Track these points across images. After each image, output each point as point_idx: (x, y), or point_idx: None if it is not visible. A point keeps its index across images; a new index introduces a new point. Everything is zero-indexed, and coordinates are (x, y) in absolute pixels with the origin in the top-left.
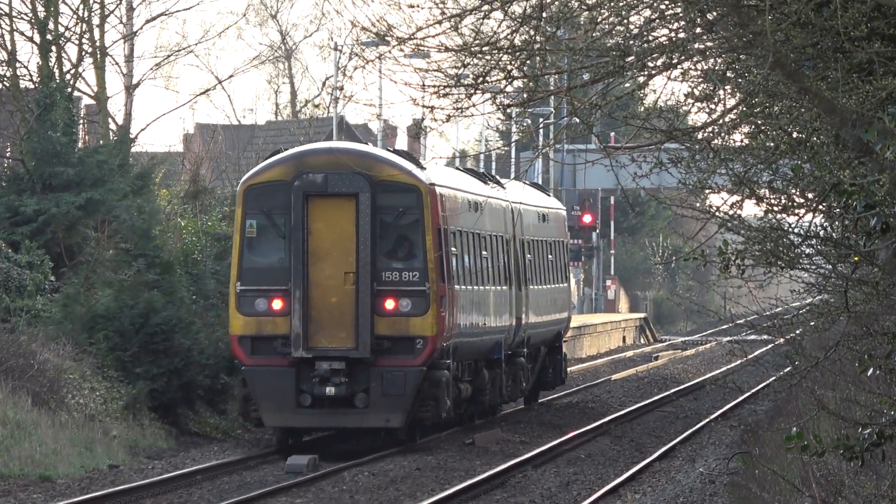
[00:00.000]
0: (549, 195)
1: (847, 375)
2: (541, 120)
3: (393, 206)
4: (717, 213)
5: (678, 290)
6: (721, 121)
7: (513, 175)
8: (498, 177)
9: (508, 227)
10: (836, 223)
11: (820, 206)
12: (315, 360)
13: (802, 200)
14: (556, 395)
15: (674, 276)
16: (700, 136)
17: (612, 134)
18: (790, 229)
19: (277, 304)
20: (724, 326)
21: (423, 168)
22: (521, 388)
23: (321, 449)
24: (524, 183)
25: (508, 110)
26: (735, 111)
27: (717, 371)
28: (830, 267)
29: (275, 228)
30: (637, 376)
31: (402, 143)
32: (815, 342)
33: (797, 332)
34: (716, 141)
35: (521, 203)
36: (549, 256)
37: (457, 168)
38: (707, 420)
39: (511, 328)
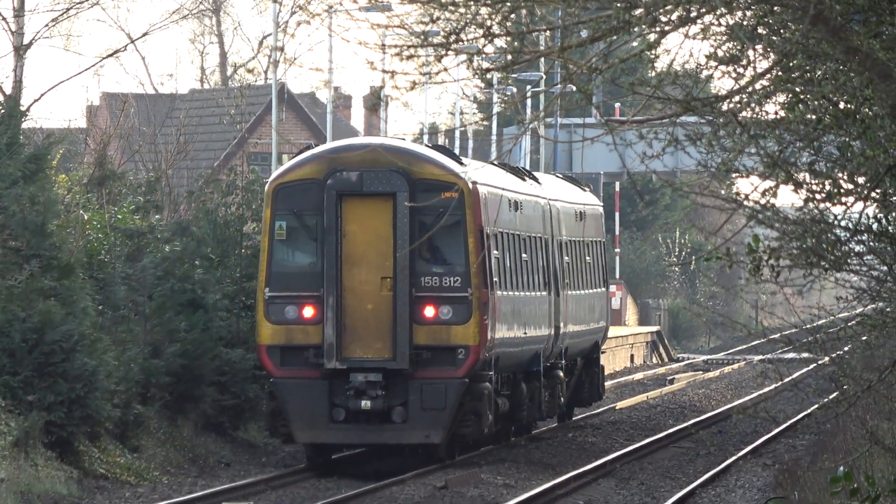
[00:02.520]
0: (584, 189)
1: None
2: (528, 88)
3: (433, 207)
4: (745, 203)
5: (699, 297)
6: (750, 88)
7: (493, 156)
8: (530, 170)
9: (546, 227)
10: (893, 214)
11: (872, 194)
12: (349, 371)
13: (851, 186)
14: (546, 428)
15: (693, 281)
16: (725, 108)
17: (617, 105)
18: (836, 222)
19: (309, 312)
20: (756, 342)
21: (463, 165)
22: (558, 403)
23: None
24: (557, 176)
25: (488, 76)
26: (768, 76)
27: (747, 398)
28: (886, 268)
29: (306, 230)
30: (648, 404)
31: (357, 115)
32: (867, 361)
33: (845, 349)
34: (744, 113)
35: (557, 200)
36: (587, 258)
37: (491, 163)
38: (734, 458)
39: (550, 337)
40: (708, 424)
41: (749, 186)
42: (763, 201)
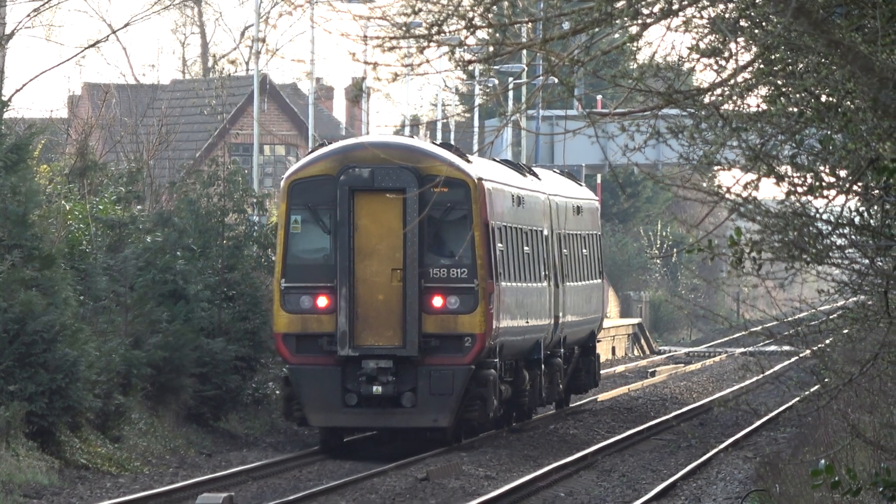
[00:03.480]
0: (581, 185)
1: (888, 395)
2: (510, 80)
3: (441, 202)
4: (727, 196)
5: (680, 290)
6: (732, 81)
7: (475, 148)
8: (532, 167)
9: (546, 221)
10: (875, 208)
11: (854, 187)
12: (361, 358)
13: (833, 179)
14: (545, 414)
15: (675, 274)
16: (706, 100)
17: (599, 98)
18: (817, 215)
19: (323, 302)
20: (737, 335)
21: (469, 162)
22: (557, 389)
23: (248, 484)
24: (555, 171)
25: (470, 68)
26: (750, 69)
27: (728, 390)
28: (867, 262)
29: (320, 224)
30: (629, 396)
31: (339, 106)
32: (849, 354)
33: (826, 342)
34: (726, 106)
35: (557, 195)
36: (584, 251)
37: (493, 159)
38: (716, 450)
39: (549, 327)
40: (689, 417)
41: (731, 179)
42: (745, 194)
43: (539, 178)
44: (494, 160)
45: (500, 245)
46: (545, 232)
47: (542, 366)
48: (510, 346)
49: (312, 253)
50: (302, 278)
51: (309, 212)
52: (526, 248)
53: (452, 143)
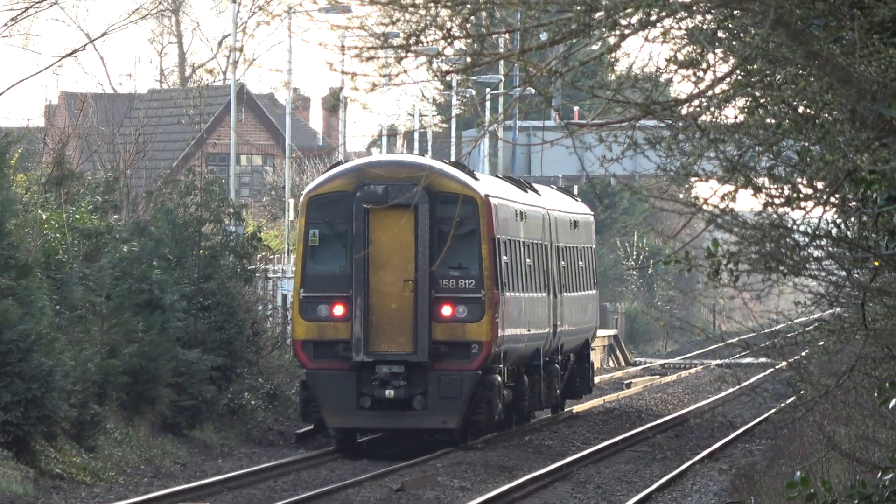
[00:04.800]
0: (577, 200)
1: (863, 408)
2: (487, 90)
3: (451, 217)
4: (704, 207)
5: (656, 301)
6: (710, 92)
7: (452, 158)
8: (532, 183)
9: (546, 235)
10: (852, 219)
11: (832, 199)
12: (375, 364)
13: (810, 191)
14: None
15: (651, 285)
16: (684, 112)
17: (576, 108)
18: (795, 227)
19: (339, 310)
20: (713, 347)
21: (477, 179)
22: (554, 394)
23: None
24: (553, 188)
25: (448, 78)
26: (728, 80)
27: (704, 402)
28: (844, 274)
29: (336, 237)
30: (605, 407)
31: (315, 116)
32: (825, 367)
33: (803, 354)
34: (704, 117)
35: (555, 210)
36: (580, 263)
37: (496, 176)
38: (691, 462)
39: (549, 335)
40: (665, 429)
41: (708, 190)
42: (722, 205)
43: (539, 194)
44: (497, 177)
45: (504, 258)
46: (545, 245)
47: (542, 371)
48: (513, 353)
49: (329, 265)
50: (319, 288)
51: (326, 226)
52: (528, 260)
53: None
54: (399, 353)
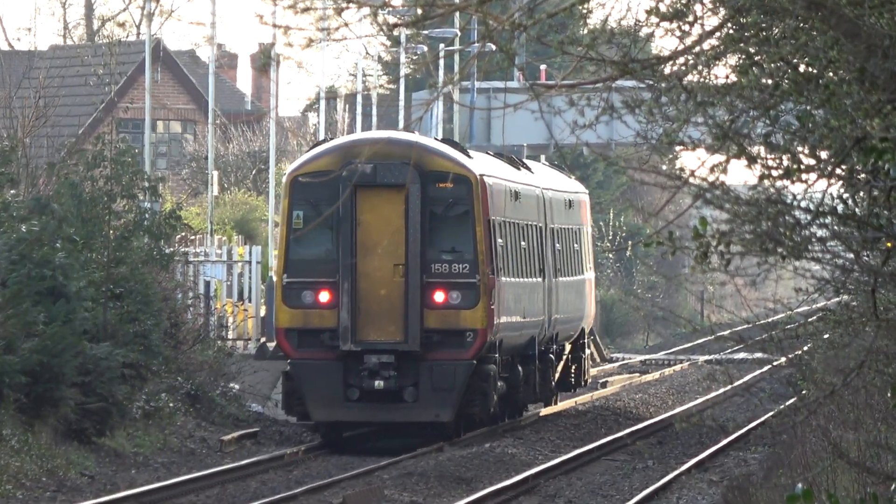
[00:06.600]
0: (570, 177)
1: (874, 410)
2: (441, 46)
3: (443, 198)
4: (691, 180)
5: (636, 288)
6: (697, 49)
7: (401, 125)
8: (523, 160)
9: (540, 215)
10: (861, 194)
11: (837, 170)
12: (363, 353)
13: (812, 162)
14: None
15: (630, 270)
16: (667, 71)
17: (543, 67)
18: (795, 202)
19: (325, 297)
20: (701, 340)
21: (471, 157)
22: (549, 387)
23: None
24: (545, 164)
25: (395, 32)
26: (717, 35)
27: (691, 403)
28: (852, 256)
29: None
30: (576, 410)
31: (244, 76)
32: (830, 363)
33: (804, 348)
34: (690, 77)
35: (549, 188)
36: (575, 245)
37: (487, 153)
38: (676, 472)
39: (543, 322)
40: (646, 434)
41: (695, 161)
42: (711, 178)
43: (532, 172)
44: (489, 153)
45: (500, 240)
46: (539, 226)
47: (537, 361)
48: (508, 342)
49: (314, 248)
50: (304, 273)
51: (311, 207)
52: (522, 242)
53: (374, 118)
54: (389, 342)
